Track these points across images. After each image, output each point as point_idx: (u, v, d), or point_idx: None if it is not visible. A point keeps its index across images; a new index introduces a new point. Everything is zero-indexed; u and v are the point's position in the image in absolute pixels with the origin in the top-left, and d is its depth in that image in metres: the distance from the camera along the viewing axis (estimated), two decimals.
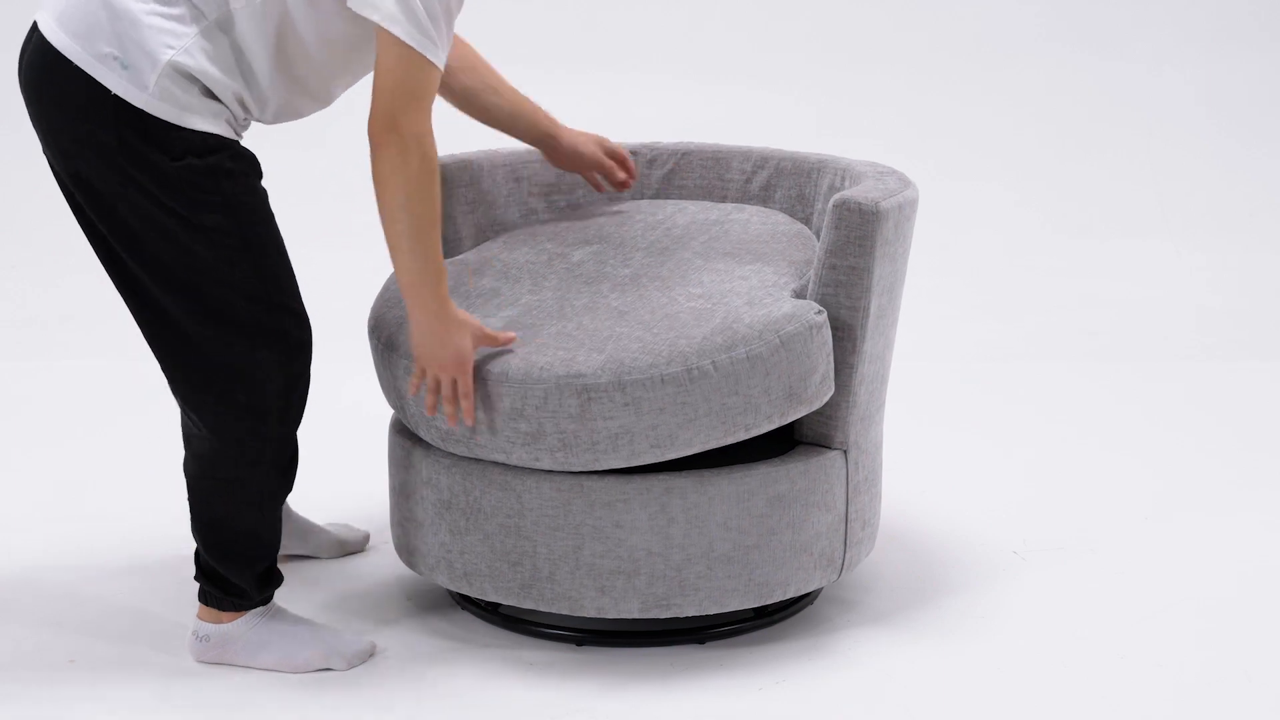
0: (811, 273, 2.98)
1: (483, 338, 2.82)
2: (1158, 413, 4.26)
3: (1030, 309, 5.04)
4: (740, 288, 2.94)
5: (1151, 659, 2.96)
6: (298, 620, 2.97)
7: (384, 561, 3.35)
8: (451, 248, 3.25)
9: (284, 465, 2.90)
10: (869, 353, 2.95)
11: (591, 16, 5.78)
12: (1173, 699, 2.84)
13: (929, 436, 4.06)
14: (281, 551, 3.26)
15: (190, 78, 2.69)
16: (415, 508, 3.01)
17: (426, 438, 2.94)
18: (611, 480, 2.84)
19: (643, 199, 3.42)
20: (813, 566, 2.96)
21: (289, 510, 3.31)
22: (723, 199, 3.36)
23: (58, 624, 3.09)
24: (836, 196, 2.89)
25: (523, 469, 2.86)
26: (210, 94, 2.72)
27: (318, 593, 3.21)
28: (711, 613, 2.91)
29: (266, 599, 2.95)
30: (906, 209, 2.96)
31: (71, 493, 3.71)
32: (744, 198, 3.34)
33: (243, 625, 2.92)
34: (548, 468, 2.83)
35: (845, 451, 2.97)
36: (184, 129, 2.69)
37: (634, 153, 3.42)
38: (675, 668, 2.92)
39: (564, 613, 2.91)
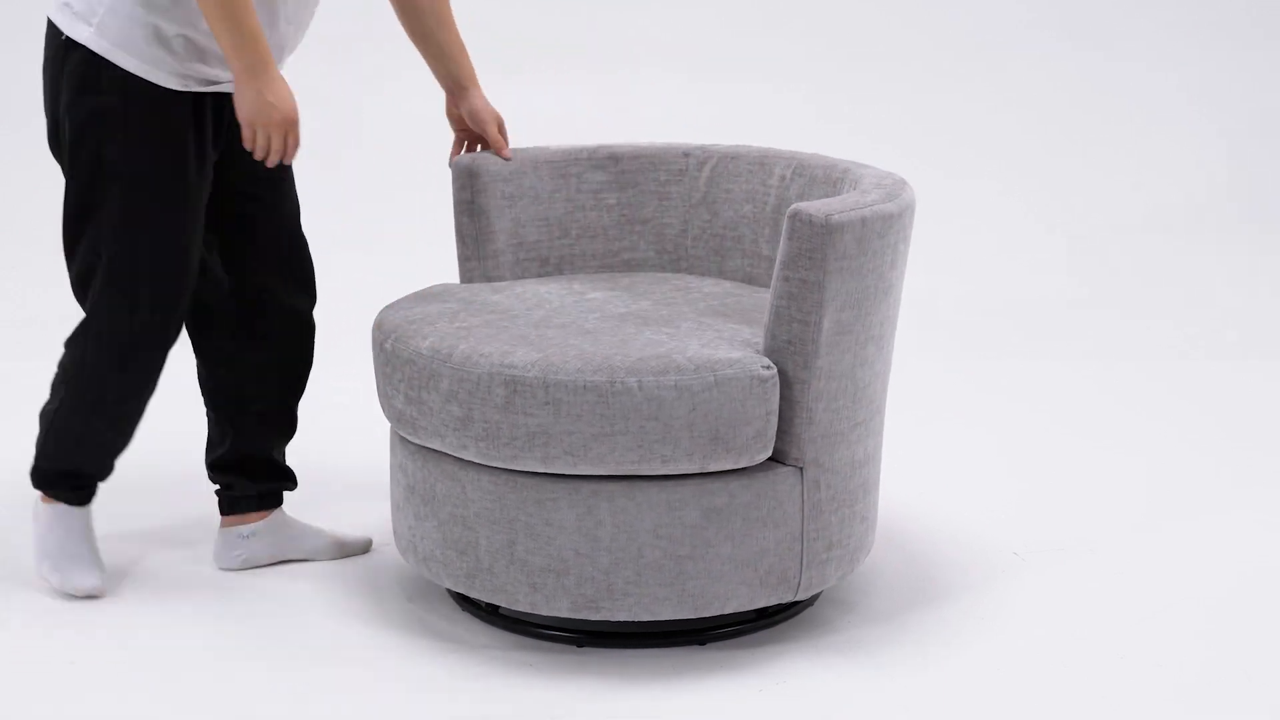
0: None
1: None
2: (1155, 412, 4.23)
3: (1023, 307, 5.01)
4: (707, 335, 2.96)
5: (1151, 659, 2.95)
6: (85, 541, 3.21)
7: (385, 564, 3.38)
8: (485, 241, 3.32)
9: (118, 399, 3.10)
10: (825, 369, 2.88)
11: (594, 16, 5.77)
12: (1173, 699, 2.81)
13: (927, 437, 4.05)
14: (278, 557, 3.32)
15: (135, 18, 2.90)
16: (395, 490, 3.13)
17: (386, 416, 3.06)
18: (544, 478, 2.88)
19: (691, 226, 3.46)
20: (758, 583, 2.93)
21: (284, 516, 3.32)
22: (764, 204, 3.36)
23: (58, 625, 3.12)
24: (791, 207, 2.87)
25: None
26: (159, 39, 2.92)
27: (318, 594, 3.25)
28: (643, 619, 2.92)
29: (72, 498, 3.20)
30: (874, 223, 2.87)
31: None
32: (781, 203, 3.33)
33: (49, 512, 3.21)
34: (472, 458, 2.89)
35: (801, 469, 2.93)
36: (118, 68, 2.90)
37: (686, 154, 3.46)
38: (675, 668, 2.94)
39: (501, 604, 2.97)
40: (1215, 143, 5.55)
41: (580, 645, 3.02)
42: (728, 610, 2.94)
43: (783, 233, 2.86)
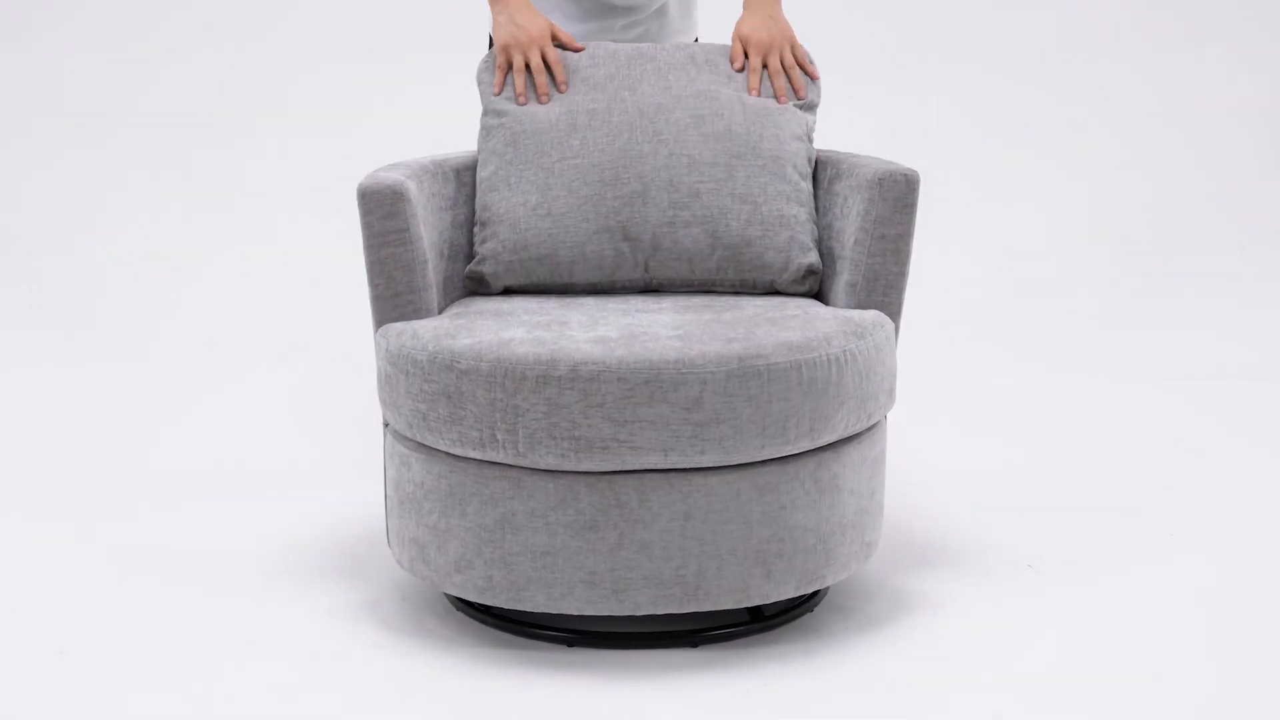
0: (851, 249, 3.15)
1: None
2: (1183, 428, 4.25)
3: (1047, 323, 5.07)
4: (798, 306, 3.14)
5: (1154, 673, 2.92)
6: None
7: (380, 564, 3.37)
8: (419, 273, 3.12)
9: None
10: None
11: None
12: (1177, 716, 2.79)
13: (946, 445, 4.10)
14: None
15: None
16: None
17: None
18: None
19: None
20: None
21: None
22: None
23: (48, 613, 3.13)
24: (880, 171, 3.11)
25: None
26: None
27: (314, 592, 3.23)
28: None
29: None
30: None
31: (69, 491, 3.79)
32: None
33: None
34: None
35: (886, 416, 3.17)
36: None
37: None
38: (666, 669, 2.92)
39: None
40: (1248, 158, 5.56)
41: (571, 645, 3.01)
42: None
43: (867, 198, 3.12)
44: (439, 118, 4.75)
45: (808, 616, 3.13)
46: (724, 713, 2.78)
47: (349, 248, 4.64)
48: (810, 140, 3.33)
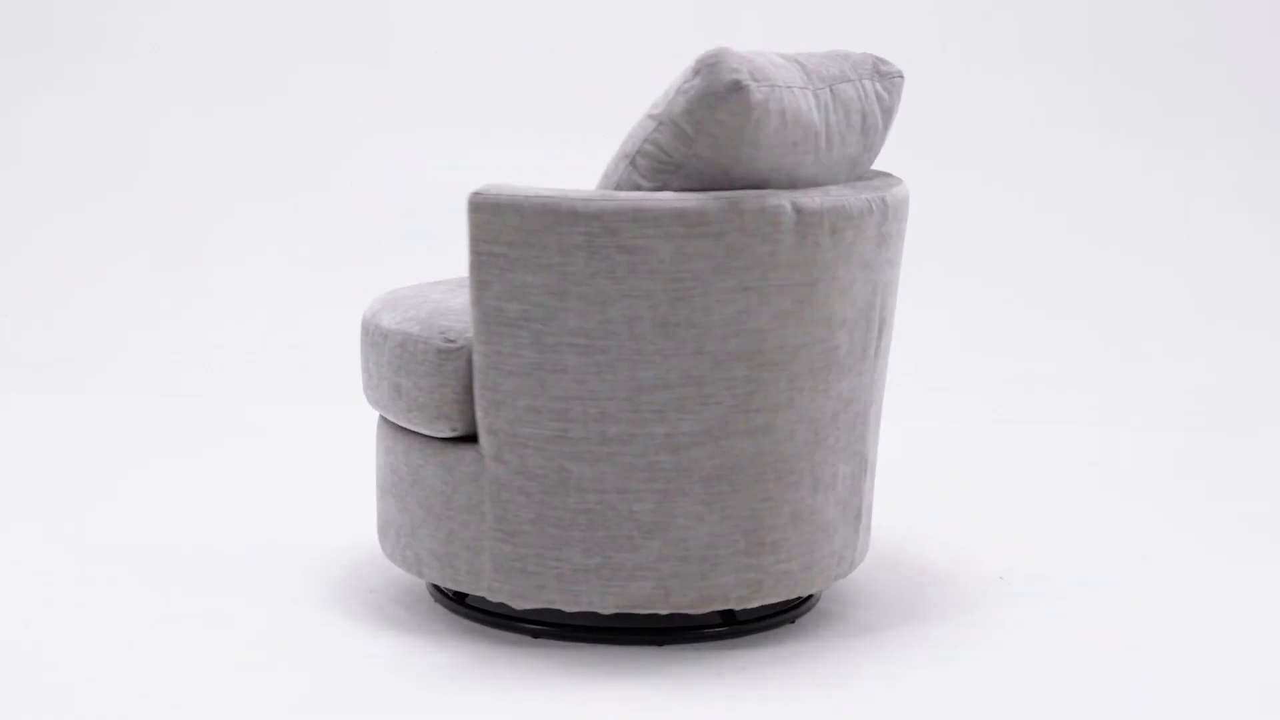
0: None
1: None
2: (1169, 470, 4.19)
3: (1047, 360, 4.96)
4: None
5: (1130, 683, 2.88)
6: None
7: (363, 555, 3.41)
8: None
9: None
10: None
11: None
12: None
13: (932, 455, 4.11)
14: None
15: None
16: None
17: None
18: None
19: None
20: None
21: None
22: None
23: (37, 614, 3.13)
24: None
25: None
26: None
27: (297, 583, 3.28)
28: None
29: None
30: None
31: (59, 491, 3.86)
32: None
33: None
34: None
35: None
36: None
37: None
38: (634, 666, 2.90)
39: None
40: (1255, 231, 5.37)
41: (536, 636, 2.99)
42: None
43: None
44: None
45: (801, 620, 3.12)
46: (697, 714, 2.74)
47: (345, 244, 4.67)
48: None
